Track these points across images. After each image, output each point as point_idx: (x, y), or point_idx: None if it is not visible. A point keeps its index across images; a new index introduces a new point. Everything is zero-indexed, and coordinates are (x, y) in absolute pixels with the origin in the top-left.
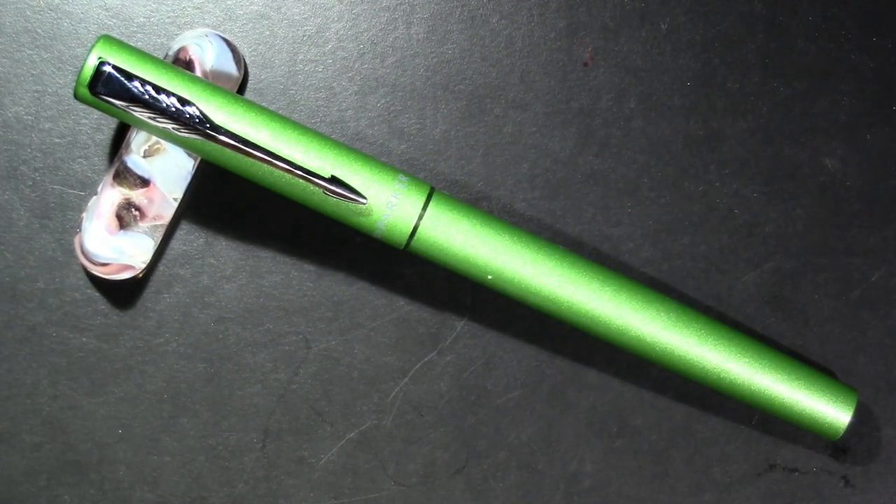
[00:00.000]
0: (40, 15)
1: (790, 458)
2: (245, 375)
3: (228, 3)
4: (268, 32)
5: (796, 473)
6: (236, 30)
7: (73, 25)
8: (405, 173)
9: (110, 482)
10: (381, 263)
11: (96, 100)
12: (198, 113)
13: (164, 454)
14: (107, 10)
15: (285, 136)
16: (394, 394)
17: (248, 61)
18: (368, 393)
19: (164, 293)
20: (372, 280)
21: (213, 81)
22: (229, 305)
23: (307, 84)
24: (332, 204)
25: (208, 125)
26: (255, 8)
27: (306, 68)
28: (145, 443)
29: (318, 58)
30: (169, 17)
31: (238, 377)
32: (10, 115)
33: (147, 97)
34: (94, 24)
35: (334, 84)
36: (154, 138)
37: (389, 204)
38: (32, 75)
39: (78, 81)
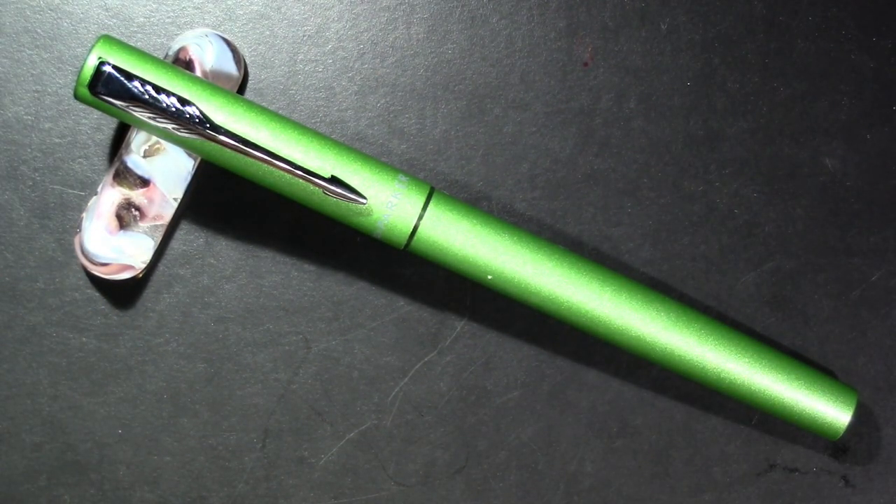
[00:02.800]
0: (40, 15)
1: (790, 458)
2: (245, 375)
3: (228, 3)
4: (268, 32)
5: (796, 473)
6: (236, 30)
7: (73, 25)
8: (405, 173)
9: (110, 482)
10: (381, 263)
11: (96, 100)
12: (198, 113)
13: (164, 454)
14: (107, 10)
15: (285, 135)
16: (394, 394)
17: (248, 61)
18: (368, 393)
19: (164, 293)
20: (372, 280)
21: (213, 81)
22: (229, 305)
23: (307, 84)
24: (332, 204)
25: (208, 125)
26: (255, 8)
27: (306, 68)
28: (145, 443)
29: (318, 58)
30: (169, 17)
31: (238, 377)
32: (10, 115)
33: (147, 97)
34: (94, 24)
35: (334, 84)
36: (154, 138)
37: (389, 204)
38: (32, 75)
39: (78, 81)
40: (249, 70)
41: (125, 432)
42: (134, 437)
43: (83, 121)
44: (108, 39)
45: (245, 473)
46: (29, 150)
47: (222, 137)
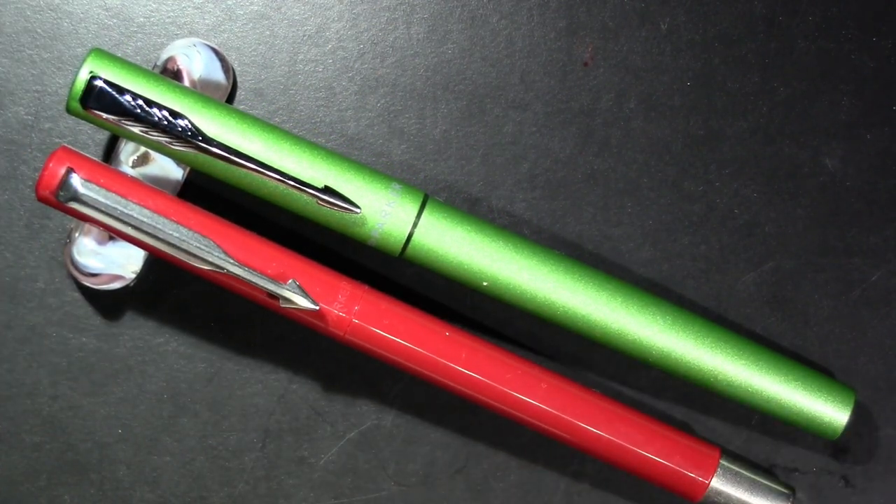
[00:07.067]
0: (40, 15)
1: (790, 458)
2: (245, 375)
3: (228, 2)
4: (268, 32)
5: (796, 473)
6: (236, 29)
7: (73, 25)
8: (399, 181)
9: (110, 482)
10: (381, 264)
11: (88, 114)
12: (190, 126)
13: (164, 454)
14: (107, 10)
15: (278, 146)
16: (394, 394)
17: (248, 61)
18: (368, 393)
19: (165, 293)
20: (372, 280)
21: (202, 91)
22: (229, 305)
23: (307, 84)
24: (326, 214)
25: (200, 138)
26: (255, 8)
27: (306, 68)
28: (145, 443)
29: (318, 58)
30: (169, 17)
31: (238, 377)
32: (10, 115)
33: (139, 111)
34: (95, 24)
35: (334, 84)
36: (143, 148)
37: (383, 213)
38: (32, 75)
39: (70, 96)
40: (249, 70)
41: (125, 432)
42: (134, 437)
43: (83, 121)
44: (99, 53)
45: (245, 473)
46: (29, 150)
47: (214, 150)
